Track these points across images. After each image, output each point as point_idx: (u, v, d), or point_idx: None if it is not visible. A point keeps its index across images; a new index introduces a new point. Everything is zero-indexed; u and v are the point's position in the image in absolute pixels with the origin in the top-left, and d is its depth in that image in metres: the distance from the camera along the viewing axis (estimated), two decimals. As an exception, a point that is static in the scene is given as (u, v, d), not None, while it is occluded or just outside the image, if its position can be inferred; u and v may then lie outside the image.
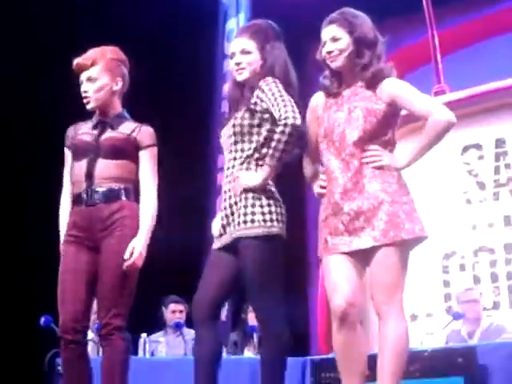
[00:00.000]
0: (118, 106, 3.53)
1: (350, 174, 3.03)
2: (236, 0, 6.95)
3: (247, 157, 3.22)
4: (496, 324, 5.58)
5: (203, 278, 3.24)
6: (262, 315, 3.16)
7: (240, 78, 3.32)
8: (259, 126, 3.23)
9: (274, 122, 3.18)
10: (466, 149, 6.60)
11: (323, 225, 3.11)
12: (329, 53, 3.14)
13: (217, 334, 3.19)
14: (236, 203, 3.18)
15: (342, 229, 3.03)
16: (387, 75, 3.12)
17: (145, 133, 3.47)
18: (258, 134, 3.22)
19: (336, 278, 3.03)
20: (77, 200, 3.42)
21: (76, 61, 3.48)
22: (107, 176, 3.38)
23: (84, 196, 3.38)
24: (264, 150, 3.17)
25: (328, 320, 3.13)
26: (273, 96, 3.19)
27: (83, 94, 3.47)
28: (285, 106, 3.14)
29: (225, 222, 3.22)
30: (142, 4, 7.19)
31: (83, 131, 3.49)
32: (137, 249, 3.30)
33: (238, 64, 3.31)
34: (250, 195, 3.16)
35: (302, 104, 3.25)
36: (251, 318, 6.14)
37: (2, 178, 6.79)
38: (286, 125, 3.11)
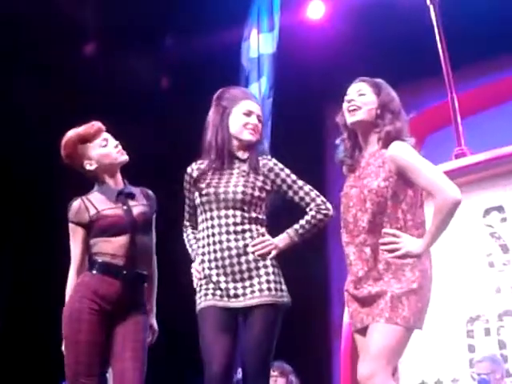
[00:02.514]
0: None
1: (363, 263, 3.06)
2: (257, 64, 6.91)
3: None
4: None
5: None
6: None
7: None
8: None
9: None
10: (487, 211, 6.53)
11: None
12: (349, 101, 3.13)
13: None
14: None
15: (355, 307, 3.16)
16: (401, 137, 3.10)
17: (154, 197, 3.59)
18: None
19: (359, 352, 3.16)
20: (107, 269, 3.39)
21: (98, 124, 3.57)
22: (145, 256, 3.46)
23: (123, 271, 3.38)
24: (261, 216, 3.36)
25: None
26: (295, 182, 3.40)
27: (120, 148, 3.57)
28: (318, 195, 3.39)
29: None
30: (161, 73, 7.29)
31: (105, 206, 3.47)
32: (156, 329, 3.55)
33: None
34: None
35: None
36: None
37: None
38: (327, 215, 3.37)
